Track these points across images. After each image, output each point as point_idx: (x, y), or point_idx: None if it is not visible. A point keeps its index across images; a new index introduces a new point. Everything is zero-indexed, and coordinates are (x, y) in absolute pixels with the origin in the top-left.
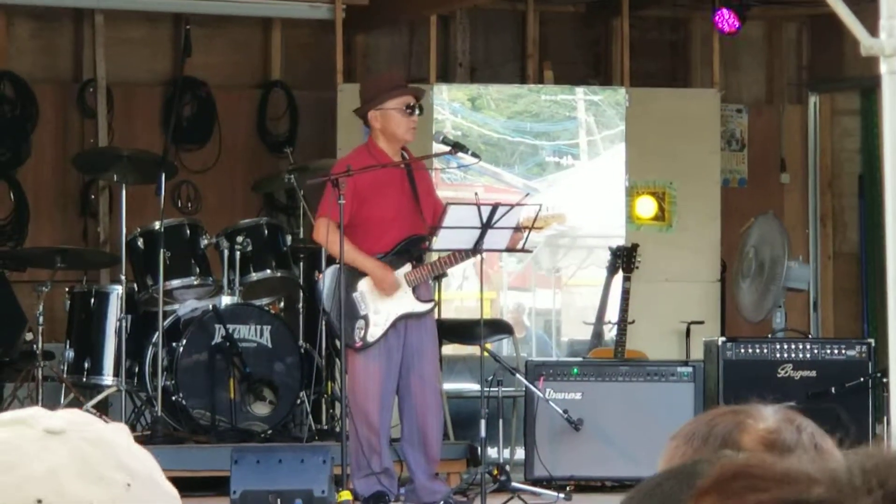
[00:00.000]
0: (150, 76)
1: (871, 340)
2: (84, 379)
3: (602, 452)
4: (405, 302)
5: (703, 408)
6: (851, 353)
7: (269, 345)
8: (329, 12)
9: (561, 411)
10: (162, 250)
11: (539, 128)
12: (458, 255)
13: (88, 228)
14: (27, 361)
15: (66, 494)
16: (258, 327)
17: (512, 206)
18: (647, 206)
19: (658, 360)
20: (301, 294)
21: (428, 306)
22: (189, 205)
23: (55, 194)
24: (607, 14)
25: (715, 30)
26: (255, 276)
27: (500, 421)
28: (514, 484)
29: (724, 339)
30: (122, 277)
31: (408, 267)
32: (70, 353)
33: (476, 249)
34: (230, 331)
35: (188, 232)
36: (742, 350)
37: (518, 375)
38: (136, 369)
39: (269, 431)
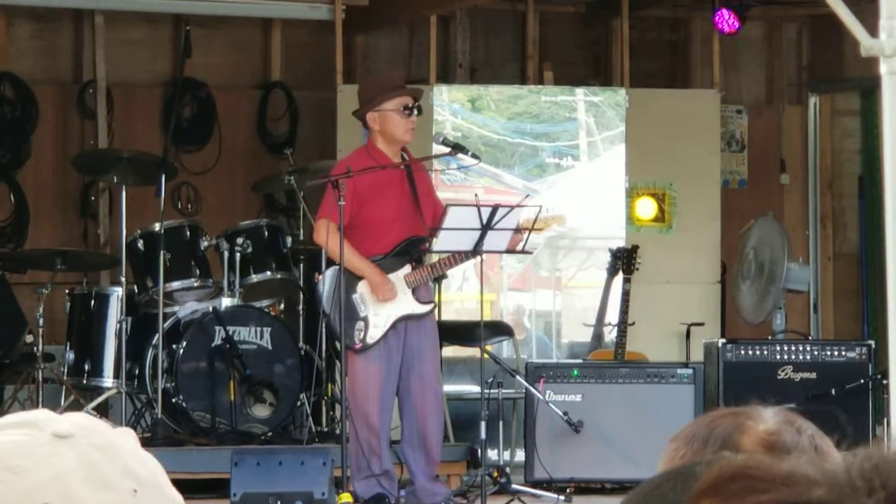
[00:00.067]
0: (150, 77)
1: (872, 342)
2: (84, 381)
3: (602, 454)
4: (405, 303)
5: (704, 410)
6: (851, 354)
7: (270, 347)
8: (329, 13)
9: (561, 413)
10: (162, 252)
11: (539, 129)
12: (458, 257)
13: (88, 230)
14: (27, 363)
15: (73, 500)
16: (258, 329)
17: (512, 207)
18: (647, 208)
19: (658, 361)
20: (301, 296)
21: (427, 308)
22: (189, 206)
23: (55, 196)
24: (607, 14)
25: (715, 30)
26: (255, 277)
27: (501, 423)
28: (515, 486)
29: (724, 340)
30: (123, 279)
31: (407, 268)
32: (70, 355)
33: (476, 251)
34: (230, 333)
35: (188, 233)
36: (742, 352)
37: (518, 377)
38: (137, 371)
39: (270, 433)
